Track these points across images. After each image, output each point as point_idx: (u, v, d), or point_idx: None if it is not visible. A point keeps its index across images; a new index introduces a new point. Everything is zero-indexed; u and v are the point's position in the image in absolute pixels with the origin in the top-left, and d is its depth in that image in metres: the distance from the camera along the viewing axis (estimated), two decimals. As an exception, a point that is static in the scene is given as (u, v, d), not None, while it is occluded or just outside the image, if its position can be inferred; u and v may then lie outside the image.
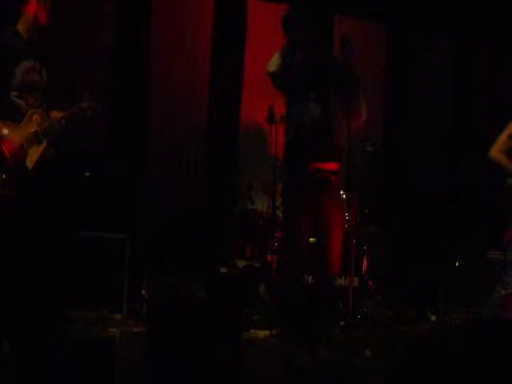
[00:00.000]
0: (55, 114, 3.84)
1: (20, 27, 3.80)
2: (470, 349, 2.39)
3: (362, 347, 4.41)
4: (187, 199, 6.48)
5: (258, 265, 5.63)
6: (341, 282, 5.25)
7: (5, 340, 3.54)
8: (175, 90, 6.49)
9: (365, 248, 5.63)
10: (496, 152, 4.42)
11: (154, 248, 5.84)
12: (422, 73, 7.41)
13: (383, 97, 7.40)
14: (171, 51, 6.48)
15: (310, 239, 4.31)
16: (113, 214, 5.58)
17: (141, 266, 5.34)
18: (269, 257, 5.51)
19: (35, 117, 3.73)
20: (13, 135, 3.64)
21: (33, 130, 3.71)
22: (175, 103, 6.48)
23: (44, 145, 3.73)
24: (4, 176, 3.60)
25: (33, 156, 3.69)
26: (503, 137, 4.44)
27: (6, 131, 3.61)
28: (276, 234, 5.51)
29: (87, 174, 5.51)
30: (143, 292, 5.20)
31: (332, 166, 4.02)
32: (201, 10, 6.66)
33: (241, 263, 5.80)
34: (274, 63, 3.96)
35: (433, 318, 5.81)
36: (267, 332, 4.85)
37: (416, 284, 6.40)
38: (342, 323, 5.10)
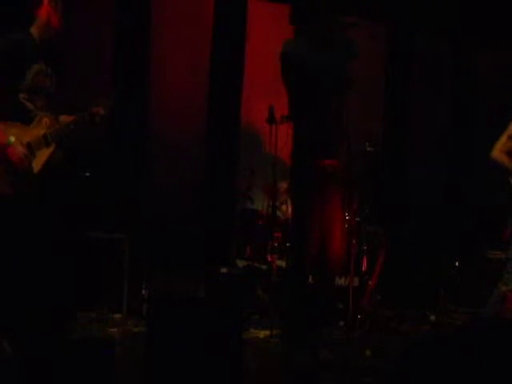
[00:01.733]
0: (64, 119, 3.86)
1: (33, 30, 3.80)
2: (470, 349, 2.39)
3: (362, 347, 4.42)
4: (187, 199, 6.48)
5: (258, 265, 5.63)
6: (341, 281, 5.26)
7: (5, 340, 3.54)
8: (175, 90, 6.49)
9: (365, 248, 5.63)
10: (498, 152, 4.42)
11: (153, 248, 5.84)
12: (422, 73, 7.42)
13: (383, 97, 7.40)
14: (171, 51, 6.48)
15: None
16: (113, 214, 5.58)
17: (141, 266, 5.34)
18: (269, 257, 5.51)
19: (45, 120, 3.74)
20: (21, 138, 3.65)
21: (42, 132, 3.72)
22: (175, 103, 6.48)
23: (52, 148, 3.74)
24: (10, 178, 3.61)
25: (40, 158, 3.70)
26: (504, 137, 4.44)
27: (12, 139, 3.62)
28: (276, 234, 5.51)
29: (87, 174, 5.51)
30: (143, 292, 5.20)
31: (334, 162, 3.98)
32: (201, 10, 6.66)
33: (241, 263, 5.80)
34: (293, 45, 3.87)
35: (433, 318, 5.81)
36: (267, 332, 4.86)
37: (416, 284, 6.40)
38: (342, 323, 5.10)
